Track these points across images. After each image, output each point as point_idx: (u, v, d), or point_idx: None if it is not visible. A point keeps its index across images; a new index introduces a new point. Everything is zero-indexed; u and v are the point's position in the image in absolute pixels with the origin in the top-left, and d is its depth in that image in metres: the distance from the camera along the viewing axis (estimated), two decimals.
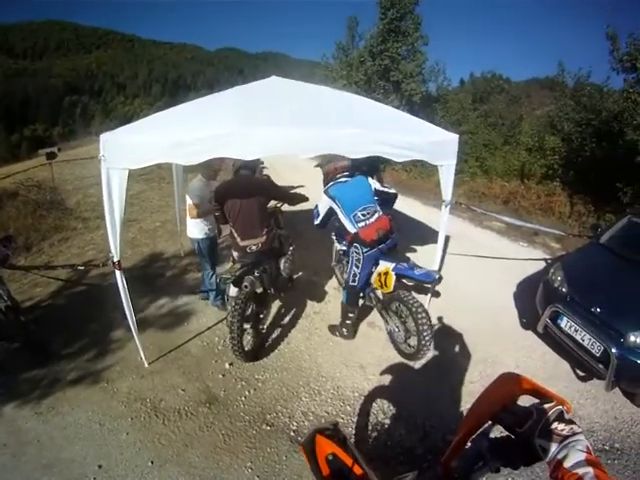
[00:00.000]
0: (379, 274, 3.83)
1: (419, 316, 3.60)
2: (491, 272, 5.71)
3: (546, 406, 0.95)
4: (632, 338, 3.34)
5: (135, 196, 9.22)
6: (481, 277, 5.54)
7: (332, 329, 4.40)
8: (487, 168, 11.26)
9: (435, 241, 4.49)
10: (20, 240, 6.68)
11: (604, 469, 0.82)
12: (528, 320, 4.60)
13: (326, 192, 3.93)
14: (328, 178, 4.04)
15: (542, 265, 5.95)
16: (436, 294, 4.87)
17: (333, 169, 3.99)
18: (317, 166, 4.27)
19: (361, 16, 16.91)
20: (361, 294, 4.17)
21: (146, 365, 3.88)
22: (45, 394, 3.57)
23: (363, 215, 3.83)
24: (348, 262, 4.09)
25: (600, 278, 4.03)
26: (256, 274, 3.81)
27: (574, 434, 0.89)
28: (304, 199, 4.33)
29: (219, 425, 3.30)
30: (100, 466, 2.93)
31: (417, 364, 3.92)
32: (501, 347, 4.24)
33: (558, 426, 0.91)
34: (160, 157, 3.11)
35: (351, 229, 3.86)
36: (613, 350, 3.34)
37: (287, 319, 4.68)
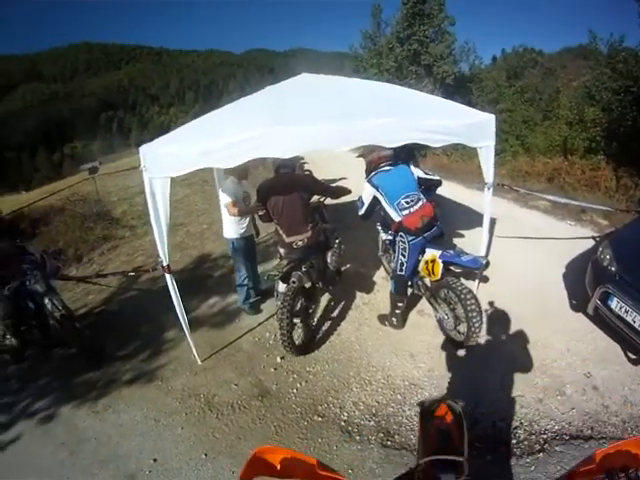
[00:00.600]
0: (426, 262, 3.80)
1: (468, 302, 3.55)
2: (539, 253, 5.52)
3: None
4: None
5: (179, 201, 9.44)
6: (529, 259, 5.37)
7: (381, 319, 4.41)
8: (528, 146, 10.85)
9: (480, 224, 4.40)
10: (70, 252, 7.03)
11: None
12: (578, 302, 4.41)
13: (369, 181, 3.94)
14: (371, 168, 4.04)
15: (591, 243, 5.66)
16: (484, 279, 4.77)
17: (376, 158, 3.99)
18: (359, 156, 4.27)
19: (384, 2, 16.66)
20: (409, 283, 4.16)
21: (199, 362, 4.02)
22: (101, 394, 3.77)
23: (407, 203, 3.82)
24: (395, 251, 4.08)
25: None
26: (303, 269, 3.87)
27: None
28: (347, 192, 4.34)
29: (271, 417, 3.38)
30: (155, 460, 3.07)
31: (467, 351, 3.87)
32: (551, 330, 4.11)
33: None
34: (198, 163, 3.21)
35: (395, 217, 3.86)
36: None
37: (337, 311, 4.72)
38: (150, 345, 4.39)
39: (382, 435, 3.17)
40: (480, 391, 3.46)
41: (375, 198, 3.93)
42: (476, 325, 3.58)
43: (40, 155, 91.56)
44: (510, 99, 13.02)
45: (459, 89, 15.00)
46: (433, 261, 3.71)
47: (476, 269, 3.84)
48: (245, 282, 4.57)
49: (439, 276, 3.69)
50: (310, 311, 4.15)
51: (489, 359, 3.80)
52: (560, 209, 6.97)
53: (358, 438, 3.16)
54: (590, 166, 9.24)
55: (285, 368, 3.91)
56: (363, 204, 4.02)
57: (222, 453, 3.07)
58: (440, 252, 3.71)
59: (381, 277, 5.31)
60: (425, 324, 4.37)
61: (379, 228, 4.57)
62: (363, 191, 4.02)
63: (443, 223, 4.04)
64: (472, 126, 3.73)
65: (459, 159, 10.95)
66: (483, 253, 4.36)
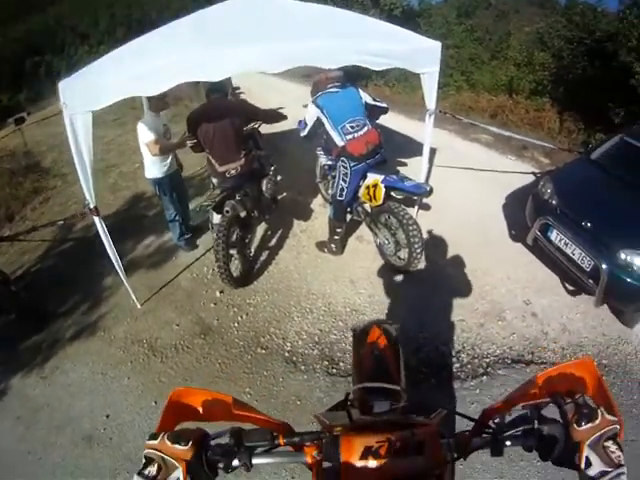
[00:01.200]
0: (367, 187, 3.71)
1: (410, 228, 3.53)
2: (479, 184, 5.57)
3: (609, 418, 0.83)
4: (623, 256, 3.27)
5: (111, 142, 8.84)
6: (469, 189, 5.40)
7: (320, 246, 4.36)
8: (474, 82, 10.84)
9: (421, 154, 4.35)
10: (1, 212, 6.50)
11: None
12: (517, 232, 4.55)
13: (314, 102, 3.73)
14: (318, 88, 3.81)
15: (531, 179, 5.78)
16: (425, 207, 4.78)
17: (324, 79, 3.75)
18: (306, 76, 4.04)
19: None
20: (348, 209, 4.09)
21: (139, 306, 3.88)
22: (47, 357, 3.58)
23: (352, 127, 3.66)
24: (334, 177, 3.96)
25: (591, 193, 3.94)
26: (237, 198, 3.72)
27: (621, 465, 0.78)
28: (282, 117, 4.17)
29: (215, 354, 3.34)
30: (108, 416, 3.00)
31: (407, 276, 3.90)
32: (490, 259, 4.22)
33: (611, 447, 0.80)
34: (123, 92, 2.92)
35: (339, 142, 3.69)
36: (603, 266, 3.27)
37: (274, 240, 4.63)
38: (89, 296, 4.17)
39: (327, 363, 3.20)
40: (422, 316, 3.53)
41: (319, 119, 3.73)
42: (417, 251, 3.59)
43: None
44: (459, 36, 12.83)
45: (406, 23, 14.55)
46: (375, 186, 3.62)
47: (419, 195, 3.76)
48: (176, 218, 4.35)
49: (381, 201, 3.62)
50: (247, 241, 4.04)
51: (430, 285, 3.86)
52: (502, 144, 7.00)
53: (303, 368, 3.18)
54: (535, 107, 9.39)
55: (225, 302, 3.83)
56: (306, 125, 3.83)
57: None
58: (383, 177, 3.61)
59: (319, 204, 5.22)
60: (364, 250, 4.37)
61: (319, 153, 4.40)
62: (307, 112, 3.82)
63: (384, 152, 3.93)
64: (417, 51, 3.61)
65: (402, 91, 10.75)
66: (423, 180, 4.34)
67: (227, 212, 3.60)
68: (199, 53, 2.93)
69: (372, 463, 0.89)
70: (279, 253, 4.41)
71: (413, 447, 0.90)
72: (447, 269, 4.12)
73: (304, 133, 3.88)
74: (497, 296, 3.83)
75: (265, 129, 4.64)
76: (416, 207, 4.52)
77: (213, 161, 3.79)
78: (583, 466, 0.79)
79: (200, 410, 0.99)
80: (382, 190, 3.58)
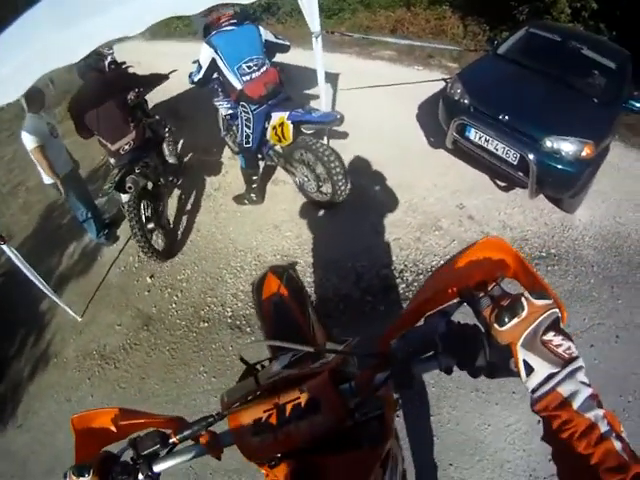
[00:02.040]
0: (274, 127, 3.53)
1: (329, 160, 3.42)
2: (389, 100, 5.42)
3: (540, 303, 0.63)
4: (548, 143, 3.32)
5: (12, 159, 8.08)
6: (379, 106, 5.23)
7: (239, 199, 4.19)
8: (369, 2, 10.52)
9: (325, 82, 4.16)
10: None
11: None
12: (436, 139, 4.50)
13: (208, 42, 3.39)
14: (211, 28, 3.51)
15: (442, 85, 5.71)
16: (340, 134, 4.63)
17: (216, 19, 3.43)
18: (203, 16, 3.73)
19: None
20: (259, 155, 3.92)
21: (79, 319, 3.69)
22: (15, 404, 3.39)
23: (249, 67, 3.42)
24: (238, 126, 3.75)
25: (503, 87, 3.94)
26: (137, 171, 3.55)
27: (574, 358, 0.61)
28: (163, 78, 4.03)
29: (162, 342, 3.26)
30: None
31: (332, 208, 3.83)
32: (414, 170, 4.18)
33: (554, 339, 0.61)
34: None
35: (236, 84, 3.45)
36: (531, 157, 3.31)
37: (189, 206, 4.42)
38: (32, 327, 3.92)
39: None
40: (355, 245, 3.48)
41: (214, 61, 3.43)
42: (341, 181, 3.51)
43: None
44: None
45: None
46: (282, 124, 3.45)
47: (330, 124, 3.59)
48: (89, 216, 4.11)
49: (291, 139, 3.47)
50: (160, 211, 3.91)
51: (356, 211, 3.80)
52: (406, 56, 6.86)
53: (249, 330, 3.13)
54: (435, 16, 9.18)
55: (158, 286, 3.70)
56: (200, 68, 3.51)
57: (135, 401, 2.94)
58: (288, 113, 3.44)
59: (228, 157, 4.96)
60: (282, 192, 4.25)
61: (217, 104, 4.13)
62: (200, 53, 3.50)
63: (287, 88, 3.75)
64: None
65: (295, 24, 10.36)
66: (327, 108, 4.21)
67: (130, 188, 3.43)
68: (52, 39, 2.64)
69: (267, 437, 0.76)
70: (198, 218, 4.23)
71: (307, 406, 0.77)
72: (371, 190, 4.05)
73: (198, 76, 3.57)
74: (427, 206, 3.82)
75: (159, 94, 4.37)
76: (325, 137, 4.35)
77: (104, 142, 3.61)
78: (523, 374, 0.64)
79: (112, 429, 0.91)
80: (290, 127, 3.42)
